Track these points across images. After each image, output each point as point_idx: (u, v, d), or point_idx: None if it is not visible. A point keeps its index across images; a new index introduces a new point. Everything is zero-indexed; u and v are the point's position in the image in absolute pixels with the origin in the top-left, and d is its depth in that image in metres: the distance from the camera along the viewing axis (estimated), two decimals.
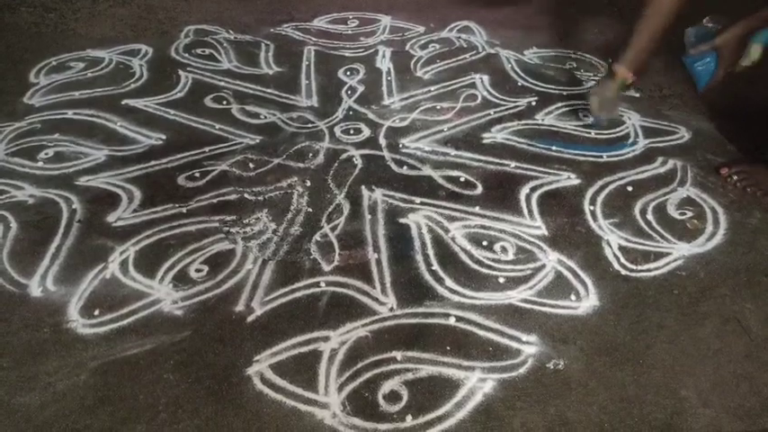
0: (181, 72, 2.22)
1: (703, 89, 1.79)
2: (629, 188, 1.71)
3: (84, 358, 1.25)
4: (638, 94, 2.15)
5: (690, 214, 1.64)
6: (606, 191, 1.71)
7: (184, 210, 1.61)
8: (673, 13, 1.70)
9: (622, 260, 1.50)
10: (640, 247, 1.54)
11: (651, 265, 1.49)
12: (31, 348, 1.27)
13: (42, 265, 1.46)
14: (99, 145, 1.84)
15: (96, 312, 1.34)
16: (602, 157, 1.84)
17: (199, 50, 2.37)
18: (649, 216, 1.63)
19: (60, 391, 1.19)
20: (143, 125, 1.93)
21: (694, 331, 1.34)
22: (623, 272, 1.47)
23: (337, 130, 1.94)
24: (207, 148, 1.83)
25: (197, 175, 1.73)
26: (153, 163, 1.78)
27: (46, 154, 1.80)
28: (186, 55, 2.34)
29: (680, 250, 1.53)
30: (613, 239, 1.56)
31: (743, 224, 1.61)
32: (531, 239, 1.55)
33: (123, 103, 2.04)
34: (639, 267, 1.48)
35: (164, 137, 1.89)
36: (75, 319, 1.33)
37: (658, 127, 1.99)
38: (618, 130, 1.96)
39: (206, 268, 1.45)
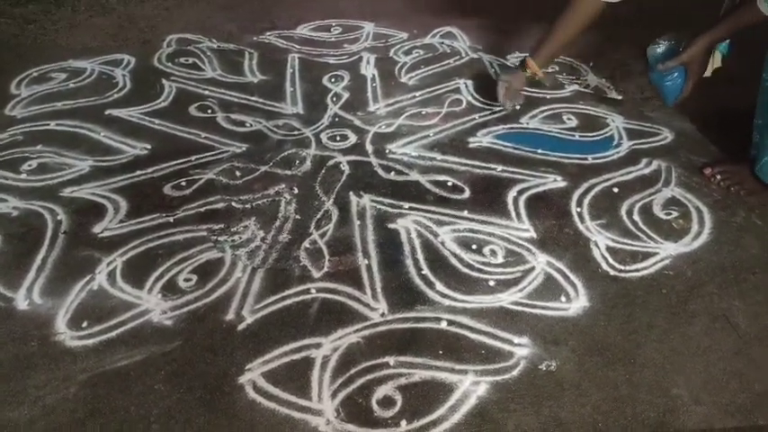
0: (164, 81, 2.21)
1: (673, 103, 1.85)
2: (615, 189, 1.73)
3: (74, 371, 1.24)
4: (620, 97, 2.17)
5: (675, 214, 1.65)
6: (592, 192, 1.72)
7: (171, 219, 1.60)
8: (592, 18, 1.82)
9: (611, 261, 1.51)
10: (628, 247, 1.55)
11: (639, 265, 1.50)
12: (19, 362, 1.25)
13: (28, 277, 1.44)
14: (83, 156, 1.83)
15: (84, 324, 1.33)
16: (587, 159, 1.86)
17: (182, 59, 2.36)
18: (636, 216, 1.64)
19: (50, 405, 1.17)
20: (127, 135, 1.92)
21: (684, 330, 1.35)
22: (612, 272, 1.48)
23: (324, 137, 1.94)
24: (193, 157, 1.82)
25: (183, 184, 1.72)
26: (138, 173, 1.76)
27: (29, 165, 1.78)
28: (169, 64, 2.33)
29: (667, 250, 1.55)
30: (601, 240, 1.57)
31: (728, 223, 1.63)
32: (520, 242, 1.56)
33: (107, 113, 2.03)
34: (628, 267, 1.49)
35: (149, 146, 1.87)
36: (62, 332, 1.31)
37: (641, 129, 2.00)
38: (602, 132, 1.98)
39: (195, 277, 1.44)
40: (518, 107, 2.07)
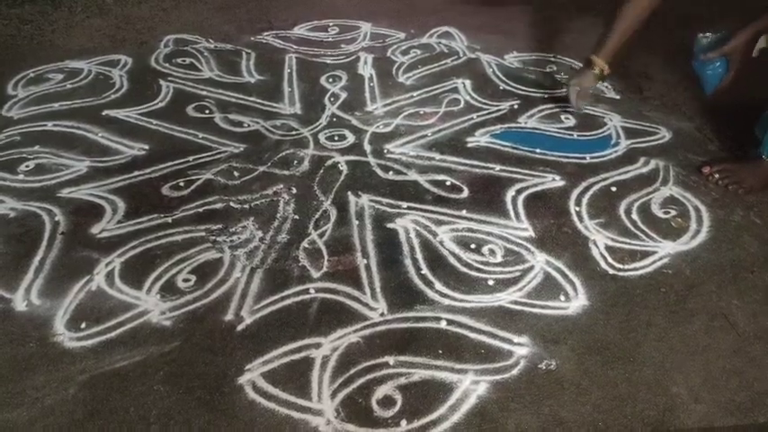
0: (162, 82, 2.20)
1: (712, 93, 1.86)
2: (613, 188, 1.73)
3: (72, 372, 1.23)
4: (618, 96, 2.18)
5: (674, 213, 1.66)
6: (591, 192, 1.72)
7: (170, 220, 1.60)
8: (651, 8, 1.81)
9: (609, 260, 1.51)
10: (626, 246, 1.55)
11: (638, 264, 1.50)
12: (17, 363, 1.25)
13: (26, 278, 1.43)
14: (80, 156, 1.82)
15: (83, 325, 1.32)
16: (585, 158, 1.86)
17: (179, 60, 2.36)
18: (634, 215, 1.64)
19: (49, 406, 1.17)
20: (125, 135, 1.91)
21: (683, 328, 1.35)
22: (611, 271, 1.48)
23: (321, 137, 1.94)
24: (191, 158, 1.82)
25: (181, 184, 1.72)
26: (136, 173, 1.76)
27: (26, 166, 1.77)
28: (167, 65, 2.32)
29: (665, 248, 1.55)
30: (600, 239, 1.57)
31: (726, 221, 1.63)
32: (519, 241, 1.56)
33: (104, 113, 2.02)
34: (626, 266, 1.50)
35: (147, 147, 1.87)
36: (61, 333, 1.31)
37: (639, 128, 2.01)
38: (600, 131, 1.98)
39: (194, 278, 1.44)
40: (588, 107, 2.08)
